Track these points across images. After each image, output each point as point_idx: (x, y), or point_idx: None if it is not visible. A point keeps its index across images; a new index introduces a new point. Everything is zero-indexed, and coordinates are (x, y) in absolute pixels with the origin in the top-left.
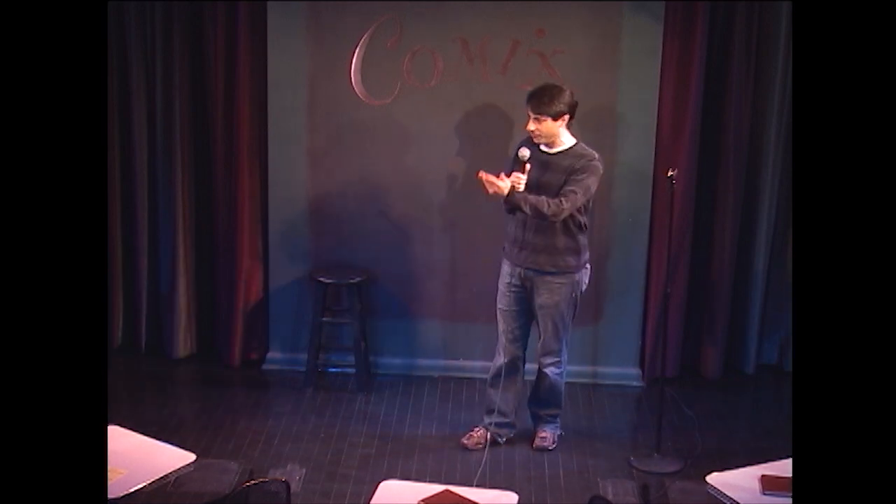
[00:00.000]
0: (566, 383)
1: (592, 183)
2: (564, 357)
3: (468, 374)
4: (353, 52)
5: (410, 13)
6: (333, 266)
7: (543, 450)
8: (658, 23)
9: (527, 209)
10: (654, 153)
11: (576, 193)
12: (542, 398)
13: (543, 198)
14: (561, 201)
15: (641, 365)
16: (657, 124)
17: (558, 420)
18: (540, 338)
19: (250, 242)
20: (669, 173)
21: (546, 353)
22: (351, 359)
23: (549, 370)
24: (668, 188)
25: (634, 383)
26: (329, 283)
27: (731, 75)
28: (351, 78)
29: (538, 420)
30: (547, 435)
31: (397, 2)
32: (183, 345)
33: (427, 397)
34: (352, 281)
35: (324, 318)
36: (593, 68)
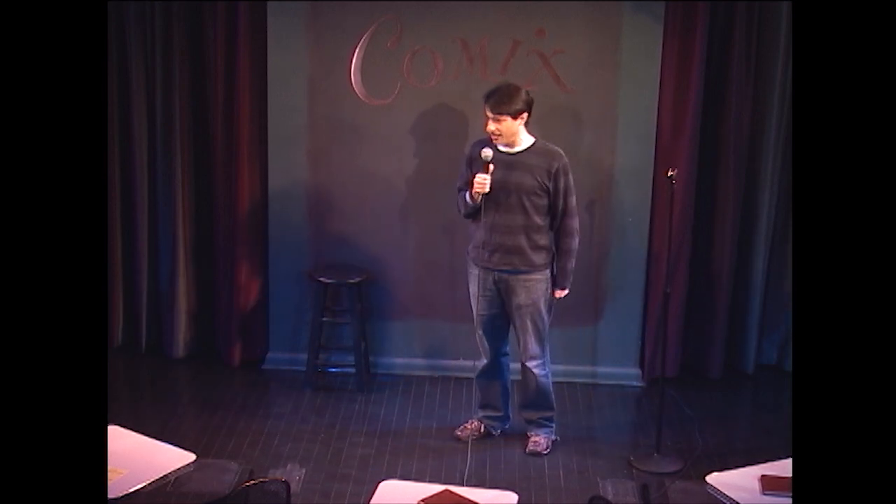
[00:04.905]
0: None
1: (572, 181)
2: (547, 358)
3: (468, 374)
4: (353, 52)
5: (410, 13)
6: (333, 266)
7: (536, 455)
8: (658, 23)
9: (571, 266)
10: (654, 153)
11: (574, 205)
12: (532, 401)
13: (569, 248)
14: (571, 229)
15: (641, 365)
16: (657, 124)
17: (553, 423)
18: (519, 341)
19: (250, 242)
20: (669, 173)
21: (529, 358)
22: (351, 359)
23: (534, 371)
24: (668, 188)
25: (634, 383)
26: (329, 283)
27: (731, 75)
28: (351, 78)
29: (531, 424)
30: (540, 440)
31: (397, 2)
32: (183, 345)
33: (427, 397)
34: (352, 281)
35: (324, 318)
36: (593, 68)
